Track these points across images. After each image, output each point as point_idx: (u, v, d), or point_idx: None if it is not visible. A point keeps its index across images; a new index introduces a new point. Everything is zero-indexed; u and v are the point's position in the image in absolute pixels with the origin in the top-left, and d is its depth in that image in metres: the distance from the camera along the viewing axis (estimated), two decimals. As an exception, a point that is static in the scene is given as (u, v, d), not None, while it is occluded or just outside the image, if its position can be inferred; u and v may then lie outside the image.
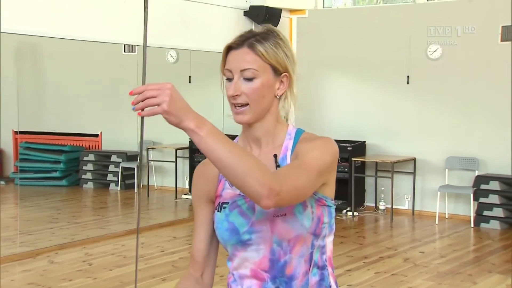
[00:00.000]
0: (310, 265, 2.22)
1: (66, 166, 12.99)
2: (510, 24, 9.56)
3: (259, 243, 2.19)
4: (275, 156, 2.19)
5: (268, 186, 1.89)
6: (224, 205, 2.23)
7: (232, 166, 1.90)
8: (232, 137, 8.17)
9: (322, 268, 2.25)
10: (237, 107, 2.15)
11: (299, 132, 2.23)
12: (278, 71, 2.16)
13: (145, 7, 2.42)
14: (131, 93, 1.92)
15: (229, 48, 2.18)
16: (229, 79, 2.16)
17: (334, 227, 2.26)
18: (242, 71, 2.13)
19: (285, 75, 2.17)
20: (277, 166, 2.17)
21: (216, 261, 2.37)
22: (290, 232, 2.15)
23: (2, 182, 13.21)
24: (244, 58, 2.14)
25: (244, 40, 2.15)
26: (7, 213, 10.81)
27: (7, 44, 12.28)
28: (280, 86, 2.18)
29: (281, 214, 2.14)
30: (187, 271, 2.36)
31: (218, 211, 2.24)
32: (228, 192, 2.24)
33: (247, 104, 2.14)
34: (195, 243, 2.35)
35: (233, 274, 2.30)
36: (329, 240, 2.24)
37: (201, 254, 2.33)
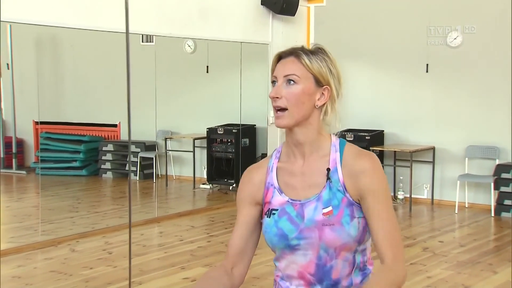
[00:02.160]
0: (353, 267, 2.33)
1: (86, 156, 13.05)
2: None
3: (307, 249, 2.30)
4: (328, 170, 2.28)
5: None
6: (274, 211, 2.35)
7: None
8: (249, 126, 8.11)
9: (363, 268, 2.37)
10: (277, 112, 2.27)
11: (342, 143, 2.35)
12: (320, 82, 2.28)
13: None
14: None
15: (279, 58, 2.32)
16: (273, 83, 2.31)
17: (369, 232, 2.33)
18: (285, 76, 2.26)
19: (327, 88, 2.29)
20: (328, 178, 2.27)
21: (251, 260, 2.46)
22: (337, 241, 2.26)
23: (24, 172, 13.30)
24: (289, 65, 2.28)
25: (293, 51, 2.29)
26: (29, 202, 11.00)
27: (27, 35, 12.37)
28: (321, 98, 2.29)
29: (330, 223, 2.26)
30: (221, 262, 2.46)
31: (267, 217, 2.35)
32: (277, 199, 2.35)
33: (286, 109, 2.25)
34: (232, 239, 2.43)
35: (280, 272, 2.42)
36: (369, 243, 2.35)
37: (235, 249, 2.42)
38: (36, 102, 12.01)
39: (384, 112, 10.89)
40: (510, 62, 9.71)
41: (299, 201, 2.33)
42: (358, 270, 2.35)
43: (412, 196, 10.34)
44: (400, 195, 10.59)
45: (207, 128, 11.91)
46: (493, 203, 9.72)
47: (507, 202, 9.60)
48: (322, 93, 2.31)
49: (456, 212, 9.88)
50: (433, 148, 10.34)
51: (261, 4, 10.42)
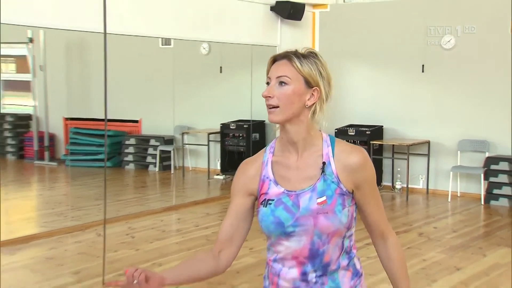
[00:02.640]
0: (342, 251, 2.34)
1: (110, 149, 13.09)
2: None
3: (302, 235, 2.29)
4: (324, 163, 2.29)
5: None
6: (270, 202, 2.32)
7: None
8: (259, 122, 8.28)
9: (349, 252, 2.37)
10: (270, 108, 2.27)
11: (332, 139, 2.36)
12: (310, 84, 2.26)
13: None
14: None
15: (274, 60, 2.31)
16: (267, 84, 2.29)
17: (356, 219, 2.37)
18: (277, 77, 2.26)
19: (316, 89, 2.27)
20: (323, 172, 2.28)
21: (239, 249, 2.45)
22: (330, 227, 2.26)
23: (55, 164, 13.34)
24: (282, 67, 2.27)
25: (286, 55, 2.28)
26: (59, 191, 11.11)
27: (57, 39, 12.49)
28: (311, 98, 2.27)
29: (324, 212, 2.26)
30: (210, 248, 2.47)
31: (264, 206, 2.33)
32: (273, 190, 2.33)
33: (278, 106, 2.25)
34: (223, 225, 2.43)
35: (274, 256, 2.39)
36: (354, 230, 2.37)
37: (225, 236, 2.41)
38: (66, 100, 12.17)
39: (383, 109, 10.87)
40: (499, 64, 9.75)
41: (295, 192, 2.32)
42: (345, 253, 2.36)
43: (409, 186, 10.32)
44: (398, 185, 10.57)
45: (221, 124, 11.93)
46: (483, 192, 9.74)
47: (496, 191, 9.62)
48: (312, 93, 2.30)
49: (449, 200, 9.91)
50: (428, 142, 10.34)
51: (271, 10, 10.39)
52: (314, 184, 2.30)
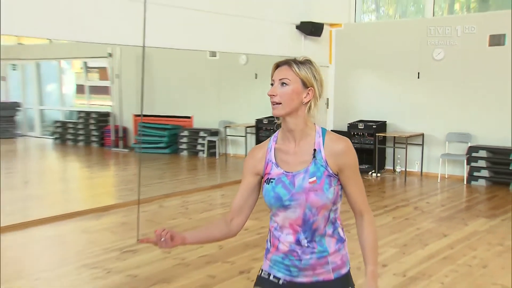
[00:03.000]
0: (328, 221, 2.33)
1: (169, 139, 13.31)
2: (495, 34, 9.50)
3: (296, 208, 2.29)
4: (315, 150, 2.30)
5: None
6: (271, 180, 2.33)
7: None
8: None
9: (333, 223, 2.35)
10: (273, 104, 2.29)
11: (323, 131, 2.35)
12: (306, 84, 2.28)
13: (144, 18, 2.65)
14: None
15: (277, 66, 2.33)
16: (272, 85, 2.31)
17: (342, 196, 2.37)
18: (280, 79, 2.28)
19: (311, 89, 2.29)
20: (314, 156, 2.29)
21: (247, 218, 2.45)
22: (319, 202, 2.27)
23: (126, 150, 13.70)
24: (283, 71, 2.29)
25: (287, 61, 2.30)
26: (130, 172, 11.25)
27: (129, 54, 12.74)
28: (307, 96, 2.28)
29: (314, 189, 2.27)
30: (224, 216, 2.46)
31: (267, 184, 2.34)
32: (275, 171, 2.34)
33: (280, 103, 2.27)
34: (235, 198, 2.44)
35: (276, 224, 2.38)
36: (339, 204, 2.37)
37: (236, 206, 2.43)
38: (135, 101, 12.36)
39: (386, 108, 10.83)
40: (479, 72, 9.74)
41: (291, 173, 2.31)
42: (331, 223, 2.34)
43: (407, 169, 10.35)
44: (398, 169, 10.59)
45: (256, 119, 11.92)
46: (465, 175, 9.74)
47: (475, 174, 9.60)
48: (308, 92, 2.29)
49: (439, 181, 9.90)
50: (422, 134, 10.31)
51: (296, 28, 10.36)
52: (307, 167, 2.30)
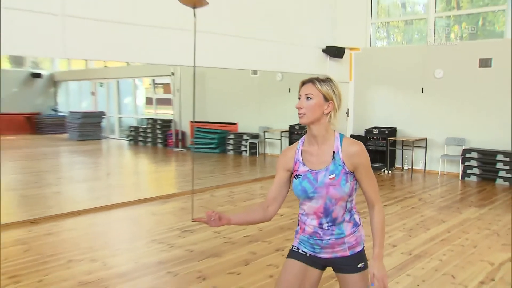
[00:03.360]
0: (345, 210, 2.35)
1: (218, 141, 13.33)
2: (484, 58, 9.45)
3: (318, 199, 2.32)
4: (334, 152, 2.30)
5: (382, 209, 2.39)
6: (299, 176, 2.35)
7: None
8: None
9: (350, 211, 2.37)
10: (300, 115, 2.32)
11: (341, 136, 2.34)
12: (326, 98, 2.29)
13: (195, 23, 2.69)
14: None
15: (303, 83, 2.35)
16: (299, 99, 2.34)
17: (357, 189, 2.36)
18: (305, 94, 2.31)
19: (331, 102, 2.30)
20: (333, 157, 2.30)
21: (280, 206, 2.45)
22: (337, 195, 2.29)
23: (184, 150, 13.82)
24: (308, 88, 2.31)
25: (311, 79, 2.33)
26: (187, 168, 11.30)
27: (188, 72, 12.93)
28: (327, 108, 2.30)
29: (333, 184, 2.28)
30: (261, 202, 2.46)
31: (295, 179, 2.36)
32: (302, 169, 2.35)
33: (305, 113, 2.30)
34: (270, 189, 2.44)
35: (303, 211, 2.41)
36: (354, 196, 2.37)
37: (271, 196, 2.43)
38: (191, 110, 12.56)
39: (396, 117, 10.75)
40: (472, 88, 9.63)
41: (315, 170, 2.32)
42: (347, 211, 2.36)
43: (413, 167, 10.31)
44: (405, 167, 10.51)
45: (289, 125, 11.90)
46: (460, 172, 9.66)
47: (468, 171, 9.51)
48: (328, 105, 2.30)
49: (439, 177, 9.80)
50: (426, 139, 10.23)
51: (322, 51, 10.34)
52: (328, 166, 2.30)
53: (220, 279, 4.37)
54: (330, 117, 2.32)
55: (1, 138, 15.22)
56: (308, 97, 2.31)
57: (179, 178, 10.21)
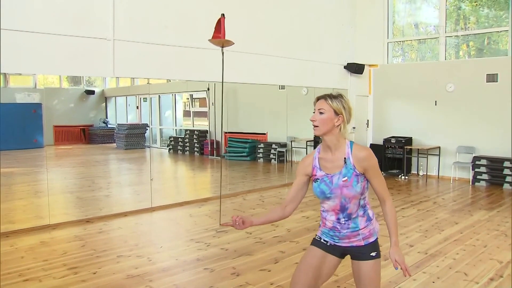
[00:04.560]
0: (359, 206, 2.44)
1: (249, 150, 13.28)
2: (490, 73, 9.35)
3: (335, 198, 2.42)
4: (345, 158, 2.38)
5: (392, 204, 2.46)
6: (317, 179, 2.45)
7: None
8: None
9: (363, 207, 2.46)
10: (314, 127, 2.42)
11: (351, 143, 2.41)
12: (337, 112, 2.38)
13: (222, 60, 2.77)
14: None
15: (317, 99, 2.44)
16: (314, 112, 2.43)
17: (368, 188, 2.45)
18: (318, 109, 2.40)
19: (341, 116, 2.38)
20: (345, 162, 2.37)
21: (297, 206, 2.54)
22: (350, 194, 2.39)
23: (218, 158, 13.71)
24: (321, 104, 2.41)
25: (323, 96, 2.42)
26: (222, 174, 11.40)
27: (221, 87, 13.03)
28: (338, 121, 2.38)
29: (346, 186, 2.37)
30: (280, 203, 2.57)
31: (314, 182, 2.46)
32: (319, 173, 2.44)
33: (318, 126, 2.40)
34: (289, 191, 2.53)
35: (323, 208, 2.51)
36: (366, 194, 2.46)
37: (290, 197, 2.52)
38: (226, 122, 12.62)
39: (412, 127, 10.66)
40: (481, 101, 9.51)
41: (330, 174, 2.41)
42: (361, 207, 2.44)
43: (427, 173, 10.22)
44: (421, 173, 10.43)
45: (314, 135, 11.93)
46: (471, 177, 9.54)
47: (478, 177, 9.40)
48: (338, 118, 2.37)
49: (451, 182, 9.71)
50: (439, 147, 10.15)
51: (344, 68, 10.35)
52: (340, 170, 2.39)
53: (252, 275, 4.39)
54: (340, 128, 2.39)
55: (61, 147, 15.66)
56: (320, 112, 2.39)
57: (214, 183, 10.18)
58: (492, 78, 9.43)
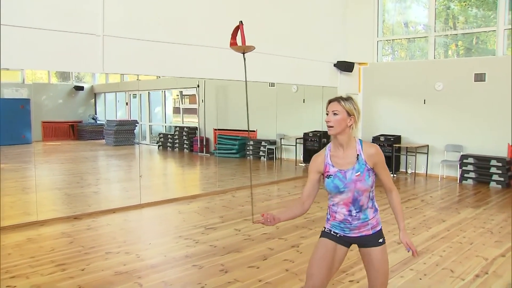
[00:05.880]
0: (369, 198, 2.58)
1: (239, 147, 13.24)
2: (478, 73, 9.42)
3: (348, 192, 2.54)
4: (357, 155, 2.52)
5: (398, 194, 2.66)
6: (330, 175, 2.56)
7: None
8: (326, 132, 8.21)
9: (372, 199, 2.61)
10: (329, 127, 2.54)
11: (360, 141, 2.56)
12: (349, 113, 2.52)
13: (245, 65, 2.78)
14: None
15: (329, 101, 2.57)
16: (327, 115, 2.54)
17: (375, 182, 2.60)
18: (332, 111, 2.53)
19: (353, 116, 2.53)
20: (357, 158, 2.51)
21: (313, 200, 2.64)
22: (363, 187, 2.53)
23: (208, 155, 13.73)
24: (334, 106, 2.55)
25: (336, 99, 2.56)
26: (211, 170, 11.36)
27: (211, 84, 12.97)
28: (350, 121, 2.53)
29: (359, 180, 2.50)
30: (297, 199, 2.68)
31: (327, 178, 2.56)
32: (332, 170, 2.56)
33: (333, 126, 2.52)
34: (305, 188, 2.65)
35: (333, 203, 2.62)
36: (374, 187, 2.61)
37: (306, 194, 2.63)
38: (215, 119, 12.58)
39: (401, 125, 10.73)
40: (469, 100, 9.59)
41: (344, 170, 2.53)
42: (370, 200, 2.59)
43: (416, 171, 10.26)
44: (409, 171, 10.51)
45: (303, 133, 11.88)
46: (458, 176, 9.62)
47: (466, 175, 9.47)
48: (351, 119, 2.51)
49: (439, 180, 9.78)
50: (427, 145, 10.21)
51: (334, 66, 10.37)
52: (353, 166, 2.52)
53: (241, 272, 4.39)
54: (352, 128, 2.54)
55: (49, 143, 15.53)
56: (335, 113, 2.52)
57: (203, 180, 10.21)
58: (480, 77, 9.52)
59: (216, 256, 4.84)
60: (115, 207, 6.97)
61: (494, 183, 9.15)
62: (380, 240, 2.60)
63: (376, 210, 2.62)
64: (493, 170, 9.16)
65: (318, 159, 2.64)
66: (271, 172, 11.38)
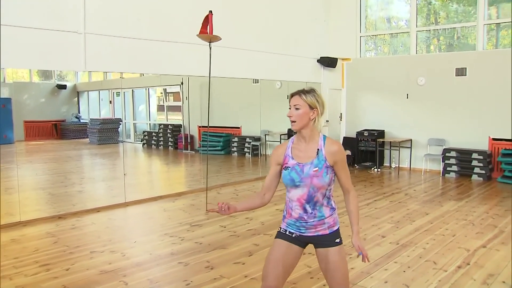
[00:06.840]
0: (324, 196, 2.50)
1: (223, 144, 13.21)
2: (459, 67, 9.52)
3: (304, 187, 2.47)
4: (318, 150, 2.46)
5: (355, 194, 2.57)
6: (288, 168, 2.50)
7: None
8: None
9: (328, 197, 2.52)
10: (291, 122, 2.48)
11: (324, 137, 2.50)
12: (311, 107, 2.45)
13: (210, 54, 2.81)
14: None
15: (292, 95, 2.50)
16: (290, 109, 2.48)
17: (334, 181, 2.54)
18: (294, 105, 2.46)
19: (315, 109, 2.46)
20: (317, 153, 2.45)
21: (274, 193, 2.61)
22: (319, 184, 2.45)
23: (193, 152, 13.67)
24: (296, 99, 2.47)
25: (297, 92, 2.48)
26: (195, 168, 11.24)
27: (196, 81, 12.94)
28: (313, 115, 2.46)
29: (316, 176, 2.43)
30: (258, 191, 2.59)
31: (284, 170, 2.50)
32: (291, 162, 2.49)
33: (295, 121, 2.46)
34: (265, 180, 2.61)
35: (289, 199, 2.55)
36: (332, 186, 2.53)
37: (267, 186, 2.60)
38: (199, 116, 12.54)
39: (385, 120, 10.78)
40: (450, 94, 9.69)
41: (302, 163, 2.46)
42: (326, 198, 2.51)
43: (399, 165, 10.37)
44: (393, 165, 10.55)
45: (288, 128, 11.77)
46: (441, 169, 9.71)
47: (448, 168, 9.55)
48: (313, 112, 2.44)
49: (422, 174, 9.85)
50: (411, 140, 10.28)
51: (317, 61, 10.39)
52: (312, 160, 2.45)
53: (227, 269, 4.40)
54: (315, 121, 2.47)
55: (32, 142, 15.35)
56: (296, 108, 2.45)
57: (188, 177, 10.18)
58: (461, 72, 9.63)
59: (202, 253, 4.84)
60: (100, 205, 6.93)
61: (476, 175, 9.27)
62: (337, 240, 2.53)
63: (332, 209, 2.55)
64: (474, 163, 9.27)
65: (279, 151, 2.58)
66: (256, 168, 11.39)
